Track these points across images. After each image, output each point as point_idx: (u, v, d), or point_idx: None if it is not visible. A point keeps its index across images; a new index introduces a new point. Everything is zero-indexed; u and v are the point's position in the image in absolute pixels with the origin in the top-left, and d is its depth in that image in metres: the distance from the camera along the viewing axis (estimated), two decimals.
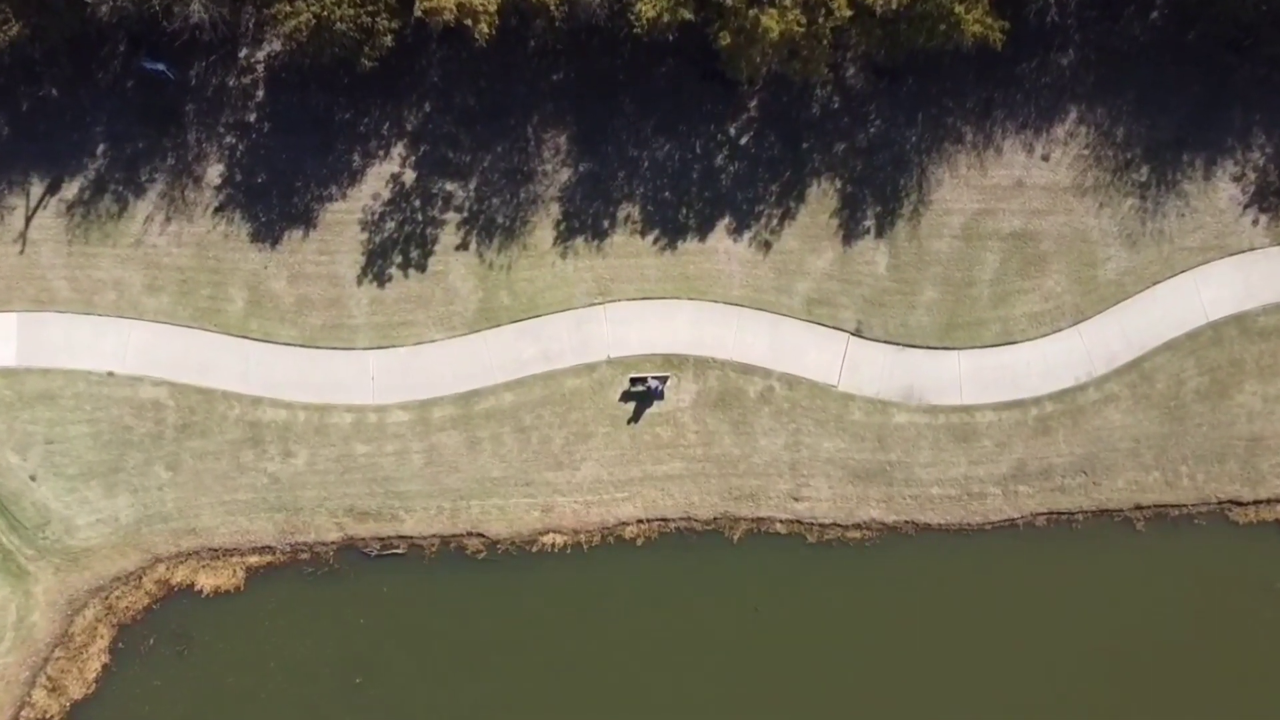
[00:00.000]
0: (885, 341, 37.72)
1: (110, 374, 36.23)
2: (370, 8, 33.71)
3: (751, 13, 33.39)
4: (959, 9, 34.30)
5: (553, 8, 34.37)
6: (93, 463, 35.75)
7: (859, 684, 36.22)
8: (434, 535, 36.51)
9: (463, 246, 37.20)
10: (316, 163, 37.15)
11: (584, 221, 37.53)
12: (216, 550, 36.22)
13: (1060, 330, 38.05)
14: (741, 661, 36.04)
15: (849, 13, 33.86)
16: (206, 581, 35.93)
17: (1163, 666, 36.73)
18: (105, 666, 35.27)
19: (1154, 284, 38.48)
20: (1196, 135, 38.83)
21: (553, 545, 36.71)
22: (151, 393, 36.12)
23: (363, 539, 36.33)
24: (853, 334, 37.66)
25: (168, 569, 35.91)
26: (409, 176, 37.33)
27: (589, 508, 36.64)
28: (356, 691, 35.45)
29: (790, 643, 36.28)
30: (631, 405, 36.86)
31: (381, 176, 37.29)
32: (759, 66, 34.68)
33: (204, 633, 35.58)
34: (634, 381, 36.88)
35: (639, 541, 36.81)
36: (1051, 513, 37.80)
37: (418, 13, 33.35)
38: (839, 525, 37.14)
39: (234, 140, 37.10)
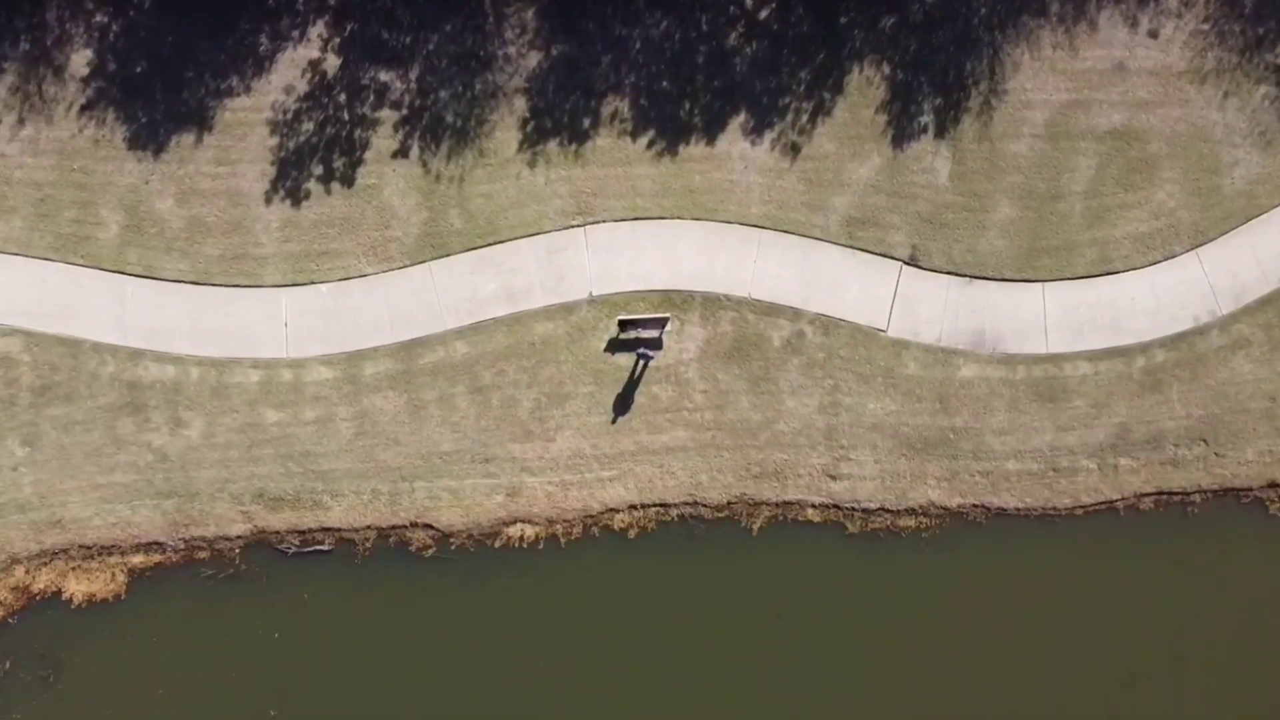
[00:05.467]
0: (948, 272, 34.70)
1: None
2: None
3: None
4: None
5: None
6: None
7: (911, 711, 33.38)
8: (368, 527, 33.73)
9: (401, 153, 34.13)
10: (213, 47, 33.61)
11: (558, 120, 34.40)
12: (90, 548, 33.18)
13: (1174, 256, 34.87)
14: (761, 683, 33.29)
15: None
16: (77, 588, 32.96)
17: None
18: None
19: None
20: None
21: (521, 539, 33.89)
22: (0, 345, 33.22)
23: (277, 532, 33.54)
24: (906, 263, 34.70)
25: (28, 572, 32.92)
26: (332, 64, 33.97)
27: (567, 490, 34.05)
28: None
29: (823, 659, 33.50)
30: (621, 357, 34.22)
31: (296, 64, 33.90)
32: None
33: (75, 653, 32.59)
34: (624, 326, 33.84)
35: (631, 533, 34.02)
36: (1161, 492, 34.62)
37: None
38: (888, 510, 34.41)
39: (106, 19, 33.48)
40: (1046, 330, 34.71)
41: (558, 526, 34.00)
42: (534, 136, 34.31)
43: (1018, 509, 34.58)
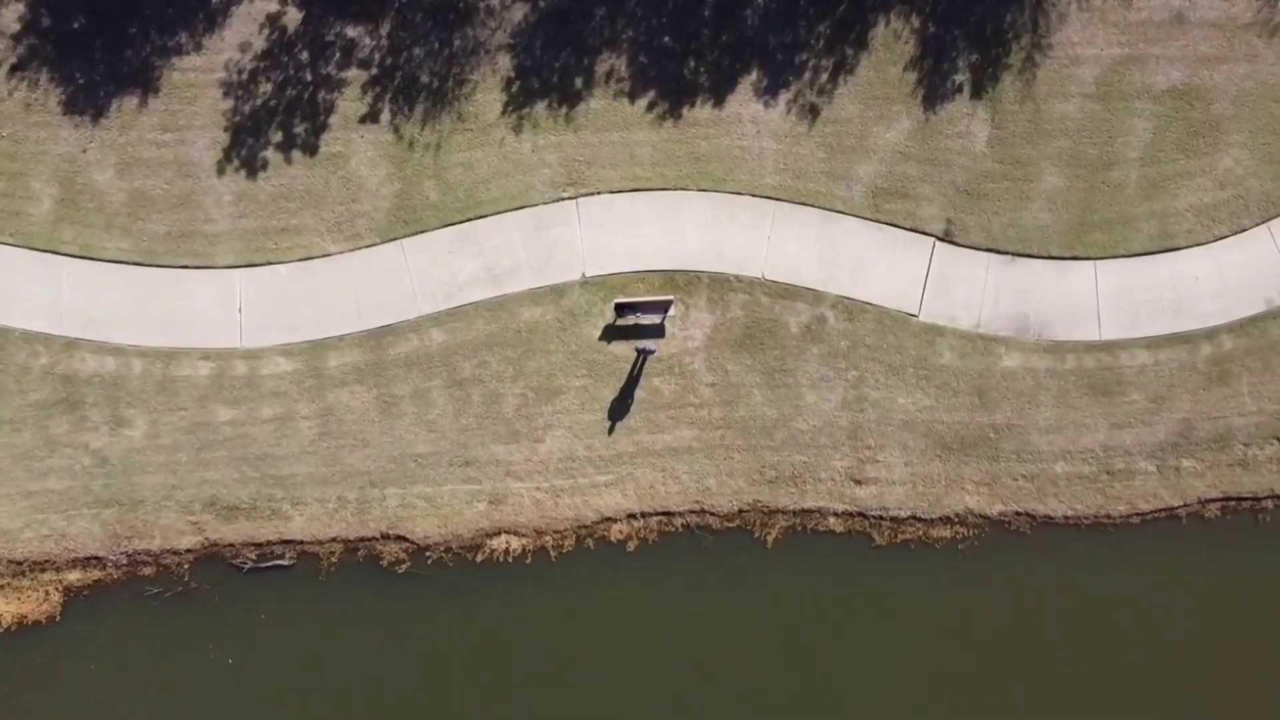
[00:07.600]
0: (987, 250, 33.94)
1: None
2: None
3: None
4: None
5: None
6: None
7: None
8: (333, 539, 32.84)
9: (370, 118, 33.39)
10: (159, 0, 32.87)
11: (546, 80, 33.70)
12: (20, 564, 32.40)
13: (1244, 230, 34.00)
14: (777, 714, 32.40)
15: None
16: (6, 608, 32.21)
17: None
18: None
19: None
20: None
21: (506, 552, 33.06)
22: None
23: (230, 545, 32.75)
24: (940, 239, 33.92)
25: None
26: (293, 18, 33.17)
27: (557, 497, 33.29)
28: None
29: (847, 686, 32.53)
30: (618, 346, 33.46)
31: (253, 18, 33.20)
32: None
33: (4, 681, 31.79)
34: (621, 311, 33.06)
35: (630, 545, 33.23)
36: (1229, 498, 33.84)
37: None
38: (919, 519, 33.70)
39: None
40: (1099, 314, 33.86)
41: (547, 538, 33.04)
42: (520, 99, 33.39)
43: (1066, 517, 33.78)
